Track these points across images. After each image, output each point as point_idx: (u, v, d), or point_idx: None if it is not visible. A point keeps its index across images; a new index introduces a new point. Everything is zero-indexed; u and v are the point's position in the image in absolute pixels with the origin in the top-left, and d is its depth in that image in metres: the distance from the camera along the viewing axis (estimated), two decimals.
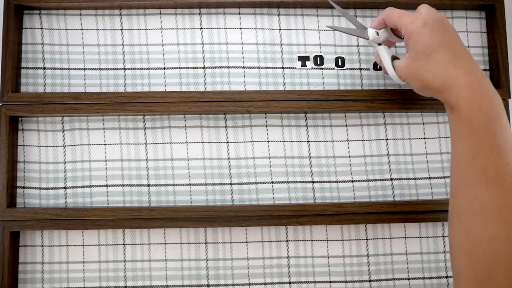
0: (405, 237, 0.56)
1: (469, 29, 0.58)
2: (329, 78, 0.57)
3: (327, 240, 0.55)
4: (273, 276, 0.55)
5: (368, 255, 0.55)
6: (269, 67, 0.57)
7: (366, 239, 0.56)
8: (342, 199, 0.56)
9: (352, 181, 0.56)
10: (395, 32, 0.51)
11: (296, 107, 0.54)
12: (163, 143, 0.56)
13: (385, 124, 0.57)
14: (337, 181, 0.56)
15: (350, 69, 0.57)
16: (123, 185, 0.55)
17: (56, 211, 0.52)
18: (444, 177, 0.57)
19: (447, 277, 0.55)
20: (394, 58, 0.50)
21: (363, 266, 0.55)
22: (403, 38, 0.50)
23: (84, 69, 0.56)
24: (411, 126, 0.57)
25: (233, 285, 0.54)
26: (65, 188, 0.55)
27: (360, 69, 0.57)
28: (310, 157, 0.56)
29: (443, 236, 0.56)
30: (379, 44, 0.51)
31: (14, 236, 0.53)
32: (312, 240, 0.55)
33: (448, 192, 0.56)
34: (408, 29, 0.45)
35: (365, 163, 0.56)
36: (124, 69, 0.56)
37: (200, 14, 0.57)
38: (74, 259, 0.54)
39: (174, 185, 0.55)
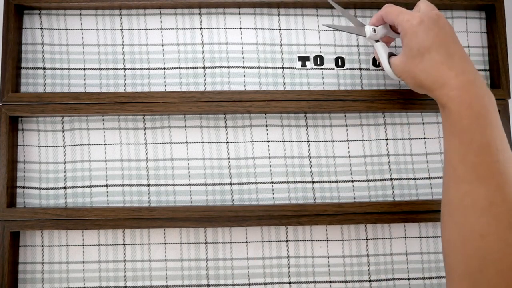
0: (405, 237, 0.56)
1: (469, 29, 0.58)
2: (329, 78, 0.57)
3: (327, 240, 0.55)
4: (273, 276, 0.55)
5: (368, 255, 0.55)
6: (269, 67, 0.57)
7: (366, 239, 0.56)
8: (342, 199, 0.56)
9: (352, 181, 0.56)
10: (394, 29, 0.51)
11: (296, 107, 0.54)
12: (163, 143, 0.56)
13: (385, 124, 0.57)
14: (337, 181, 0.56)
15: (350, 69, 0.57)
16: (123, 185, 0.55)
17: (56, 211, 0.52)
18: None
19: None
20: (391, 54, 0.51)
21: (363, 266, 0.55)
22: None
23: (84, 69, 0.56)
24: (411, 126, 0.57)
25: (233, 285, 0.54)
26: (65, 188, 0.55)
27: (360, 69, 0.57)
28: (310, 157, 0.56)
29: None
30: (377, 41, 0.51)
31: (14, 236, 0.53)
32: (312, 240, 0.55)
33: None
34: (404, 27, 0.46)
35: (365, 163, 0.56)
36: (124, 69, 0.56)
37: (200, 14, 0.57)
38: (74, 259, 0.54)
39: (174, 185, 0.55)
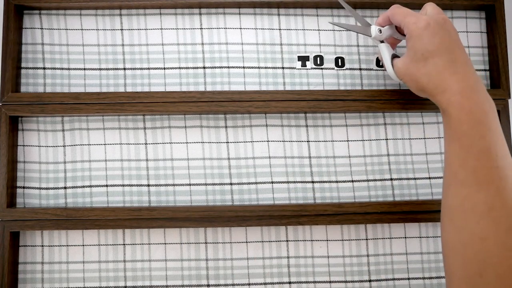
0: (405, 237, 0.56)
1: (469, 29, 0.58)
2: (329, 78, 0.57)
3: (327, 240, 0.55)
4: (273, 276, 0.55)
5: (368, 255, 0.55)
6: (269, 67, 0.57)
7: (366, 239, 0.56)
8: (342, 199, 0.56)
9: (352, 181, 0.56)
10: (400, 30, 0.51)
11: (296, 107, 0.54)
12: (163, 143, 0.56)
13: (385, 124, 0.57)
14: (337, 181, 0.56)
15: (350, 69, 0.57)
16: (123, 185, 0.55)
17: (56, 211, 0.52)
18: None
19: None
20: (394, 56, 0.51)
21: (363, 266, 0.55)
22: None
23: (84, 69, 0.56)
24: (411, 126, 0.57)
25: (233, 285, 0.54)
26: (65, 188, 0.55)
27: (360, 69, 0.57)
28: (310, 157, 0.56)
29: None
30: (382, 42, 0.51)
31: (14, 236, 0.53)
32: (312, 240, 0.55)
33: None
34: (409, 29, 0.46)
35: (365, 163, 0.56)
36: (124, 69, 0.56)
37: (200, 14, 0.57)
38: (74, 259, 0.54)
39: (174, 185, 0.55)
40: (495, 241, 0.38)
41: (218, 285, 0.54)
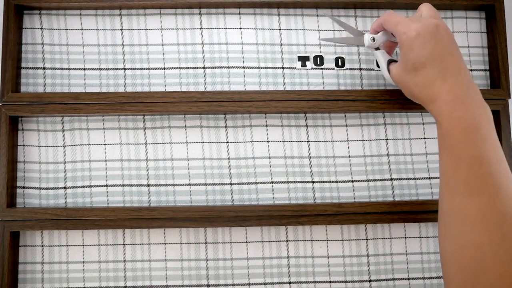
0: (405, 237, 0.56)
1: (469, 29, 0.58)
2: (329, 78, 0.57)
3: (327, 240, 0.55)
4: (273, 276, 0.55)
5: (368, 255, 0.55)
6: (269, 67, 0.57)
7: (366, 239, 0.56)
8: (342, 199, 0.56)
9: (352, 181, 0.56)
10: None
11: (296, 107, 0.54)
12: (163, 143, 0.56)
13: (385, 124, 0.57)
14: (337, 181, 0.56)
15: (350, 69, 0.57)
16: (123, 185, 0.55)
17: (56, 211, 0.52)
18: None
19: None
20: (391, 61, 0.51)
21: (363, 266, 0.55)
22: None
23: (84, 69, 0.56)
24: (411, 126, 0.57)
25: (233, 285, 0.54)
26: (65, 188, 0.55)
27: (360, 69, 0.57)
28: (310, 157, 0.56)
29: None
30: (377, 49, 0.52)
31: (14, 236, 0.53)
32: (312, 240, 0.55)
33: None
34: (401, 39, 0.46)
35: (365, 163, 0.56)
36: (124, 69, 0.56)
37: (200, 14, 0.57)
38: (74, 259, 0.54)
39: (174, 185, 0.55)
40: (489, 249, 0.38)
41: (218, 285, 0.54)
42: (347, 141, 0.57)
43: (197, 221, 0.52)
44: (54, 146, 0.55)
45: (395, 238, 0.56)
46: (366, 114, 0.57)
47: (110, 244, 0.55)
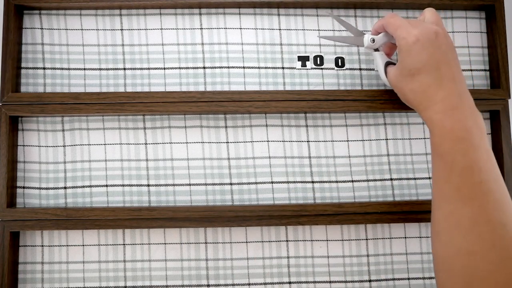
0: (405, 237, 0.56)
1: (469, 29, 0.58)
2: (329, 78, 0.57)
3: (327, 240, 0.55)
4: (273, 276, 0.55)
5: (368, 255, 0.55)
6: (269, 67, 0.57)
7: (366, 239, 0.56)
8: (342, 199, 0.56)
9: (352, 181, 0.56)
10: None
11: (296, 107, 0.54)
12: (163, 143, 0.56)
13: (385, 124, 0.57)
14: (337, 181, 0.56)
15: (350, 69, 0.57)
16: (123, 185, 0.55)
17: (56, 211, 0.52)
18: None
19: None
20: (389, 63, 0.51)
21: (363, 266, 0.55)
22: None
23: (84, 69, 0.56)
24: (411, 126, 0.57)
25: (233, 285, 0.54)
26: (65, 188, 0.55)
27: (360, 69, 0.57)
28: (310, 157, 0.56)
29: None
30: (376, 50, 0.51)
31: (14, 236, 0.53)
32: (312, 240, 0.55)
33: None
34: (399, 44, 0.46)
35: (365, 163, 0.56)
36: (124, 69, 0.56)
37: (200, 14, 0.57)
38: (74, 259, 0.54)
39: (174, 185, 0.55)
40: (480, 256, 0.39)
41: (218, 285, 0.54)
42: (347, 141, 0.57)
43: (197, 221, 0.52)
44: (54, 146, 0.55)
45: (395, 238, 0.56)
46: (366, 114, 0.57)
47: (110, 244, 0.55)
